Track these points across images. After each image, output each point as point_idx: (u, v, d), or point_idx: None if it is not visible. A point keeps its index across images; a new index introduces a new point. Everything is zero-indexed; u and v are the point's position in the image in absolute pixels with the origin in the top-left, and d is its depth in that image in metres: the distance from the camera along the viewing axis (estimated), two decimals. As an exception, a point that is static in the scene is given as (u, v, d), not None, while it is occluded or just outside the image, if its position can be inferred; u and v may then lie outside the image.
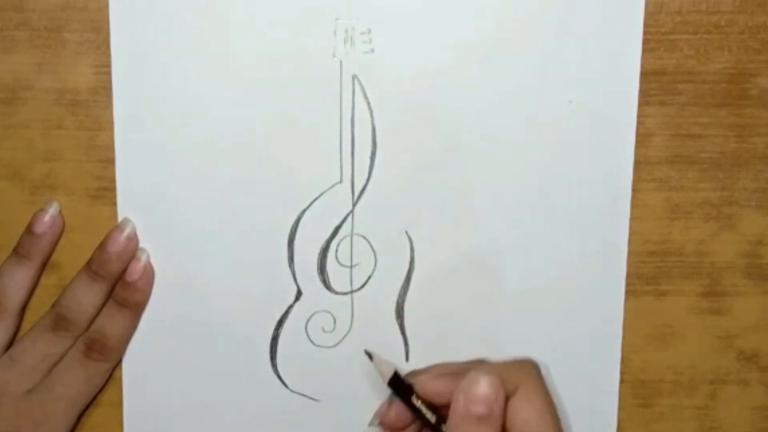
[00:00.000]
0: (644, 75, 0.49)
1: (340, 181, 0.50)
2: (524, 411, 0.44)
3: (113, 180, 0.50)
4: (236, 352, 0.52)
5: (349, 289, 0.52)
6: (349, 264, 0.51)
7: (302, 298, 0.52)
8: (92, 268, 0.50)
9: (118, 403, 0.52)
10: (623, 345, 0.52)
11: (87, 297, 0.50)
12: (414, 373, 0.48)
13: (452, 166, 0.50)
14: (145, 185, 0.50)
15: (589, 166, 0.50)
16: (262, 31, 0.49)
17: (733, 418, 0.53)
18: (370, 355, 0.47)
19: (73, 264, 0.51)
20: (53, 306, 0.50)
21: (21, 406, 0.49)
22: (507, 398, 0.44)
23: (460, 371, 0.45)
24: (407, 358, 0.52)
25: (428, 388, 0.46)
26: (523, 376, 0.45)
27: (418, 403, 0.46)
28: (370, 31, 0.49)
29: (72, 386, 0.50)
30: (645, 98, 0.50)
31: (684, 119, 0.50)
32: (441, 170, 0.50)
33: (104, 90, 0.49)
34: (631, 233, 0.51)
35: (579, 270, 0.51)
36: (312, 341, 0.52)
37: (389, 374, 0.47)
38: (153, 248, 0.51)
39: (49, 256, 0.51)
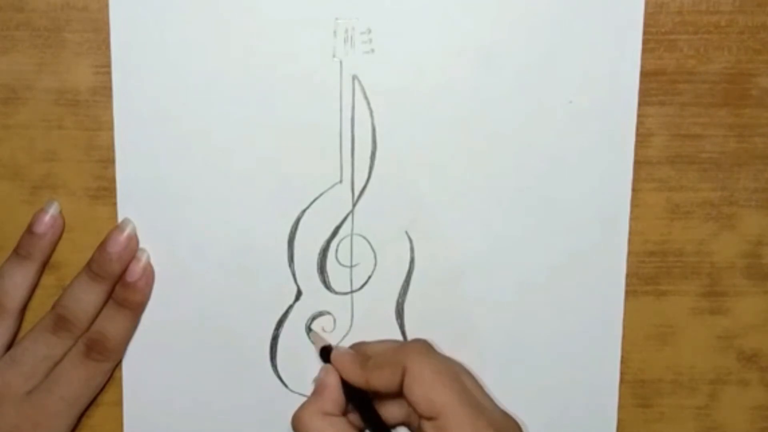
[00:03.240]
0: (644, 75, 0.49)
1: (340, 181, 0.50)
2: (417, 389, 0.45)
3: (113, 180, 0.50)
4: (236, 352, 0.52)
5: (349, 289, 0.52)
6: (349, 264, 0.51)
7: (302, 298, 0.52)
8: (92, 268, 0.49)
9: (118, 403, 0.52)
10: (623, 345, 0.52)
11: (87, 297, 0.49)
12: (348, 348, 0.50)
13: (452, 165, 0.50)
14: (145, 185, 0.50)
15: (589, 166, 0.50)
16: (262, 31, 0.49)
17: (733, 418, 0.53)
18: (309, 328, 0.51)
19: (73, 264, 0.51)
20: (53, 306, 0.50)
21: (21, 407, 0.49)
22: (401, 382, 0.46)
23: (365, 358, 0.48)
24: (407, 358, 0.52)
25: (339, 368, 0.48)
26: (407, 357, 0.46)
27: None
28: (370, 31, 0.49)
29: (72, 386, 0.50)
30: (645, 98, 0.50)
31: (684, 119, 0.50)
32: (441, 170, 0.50)
33: (104, 90, 0.49)
34: (631, 233, 0.51)
35: (579, 270, 0.51)
36: (312, 341, 0.52)
37: (320, 346, 0.50)
38: (153, 248, 0.51)
39: (49, 256, 0.51)
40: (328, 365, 0.49)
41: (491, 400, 0.48)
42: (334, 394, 0.47)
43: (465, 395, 0.46)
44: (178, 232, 0.51)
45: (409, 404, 0.46)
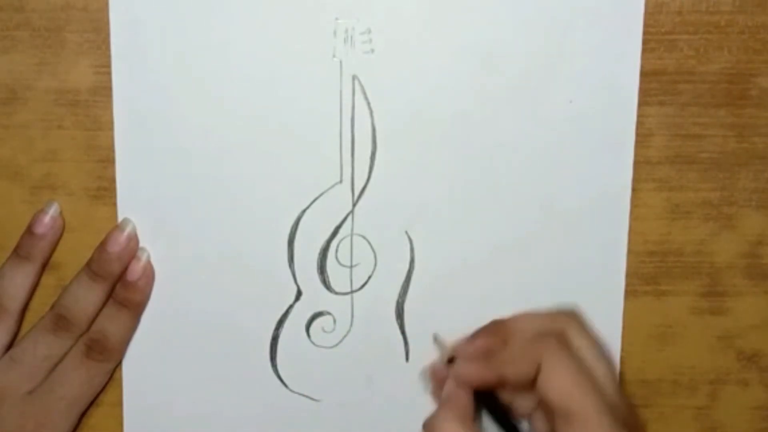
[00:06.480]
0: (644, 75, 0.49)
1: (340, 181, 0.50)
2: (551, 390, 0.44)
3: (113, 180, 0.50)
4: (236, 352, 0.52)
5: (349, 289, 0.52)
6: (349, 264, 0.51)
7: (302, 298, 0.52)
8: (92, 268, 0.49)
9: (118, 403, 0.52)
10: (623, 345, 0.52)
11: (87, 297, 0.49)
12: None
13: (452, 166, 0.50)
14: (145, 185, 0.50)
15: (589, 166, 0.50)
16: (262, 31, 0.49)
17: (733, 418, 0.53)
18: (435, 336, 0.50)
19: (73, 264, 0.51)
20: (53, 306, 0.50)
21: (22, 407, 0.49)
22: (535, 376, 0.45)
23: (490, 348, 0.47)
24: (407, 358, 0.52)
25: (468, 376, 0.47)
26: (543, 352, 0.45)
27: None
28: (370, 31, 0.49)
29: (73, 386, 0.50)
30: (645, 98, 0.50)
31: (684, 119, 0.50)
32: (441, 170, 0.50)
33: (104, 90, 0.49)
34: (631, 233, 0.51)
35: (579, 270, 0.51)
36: (312, 341, 0.52)
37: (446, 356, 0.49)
38: (153, 248, 0.51)
39: (49, 257, 0.51)
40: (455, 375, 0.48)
41: (625, 400, 0.47)
42: (464, 399, 0.47)
43: (601, 399, 0.44)
44: (178, 232, 0.51)
45: (542, 400, 0.45)
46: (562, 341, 0.46)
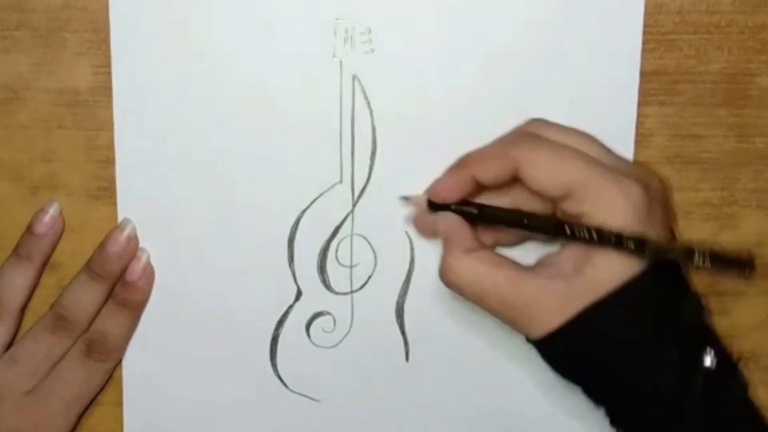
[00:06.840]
0: (644, 75, 0.49)
1: (340, 181, 0.50)
2: (540, 176, 0.44)
3: (113, 180, 0.50)
4: (236, 352, 0.52)
5: (349, 289, 0.52)
6: (349, 264, 0.51)
7: (302, 298, 0.52)
8: (92, 268, 0.50)
9: (118, 403, 0.52)
10: (623, 345, 0.52)
11: (87, 297, 0.50)
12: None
13: (452, 166, 0.50)
14: (145, 185, 0.50)
15: (589, 166, 0.50)
16: (262, 31, 0.49)
17: (733, 418, 0.53)
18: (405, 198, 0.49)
19: (73, 264, 0.51)
20: (53, 306, 0.50)
21: (22, 406, 0.49)
22: (511, 174, 0.44)
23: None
24: (407, 358, 0.52)
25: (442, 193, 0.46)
26: (516, 149, 0.45)
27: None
28: (370, 31, 0.49)
29: (73, 386, 0.50)
30: (645, 98, 0.50)
31: (684, 119, 0.50)
32: (441, 170, 0.50)
33: (104, 90, 0.49)
34: (631, 233, 0.51)
35: (579, 270, 0.51)
36: (312, 341, 0.52)
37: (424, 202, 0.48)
38: (153, 248, 0.51)
39: (49, 257, 0.51)
40: (443, 214, 0.47)
41: (626, 161, 0.46)
42: (459, 228, 0.46)
43: (594, 163, 0.43)
44: (178, 232, 0.51)
45: (538, 194, 0.44)
46: (535, 136, 0.46)
